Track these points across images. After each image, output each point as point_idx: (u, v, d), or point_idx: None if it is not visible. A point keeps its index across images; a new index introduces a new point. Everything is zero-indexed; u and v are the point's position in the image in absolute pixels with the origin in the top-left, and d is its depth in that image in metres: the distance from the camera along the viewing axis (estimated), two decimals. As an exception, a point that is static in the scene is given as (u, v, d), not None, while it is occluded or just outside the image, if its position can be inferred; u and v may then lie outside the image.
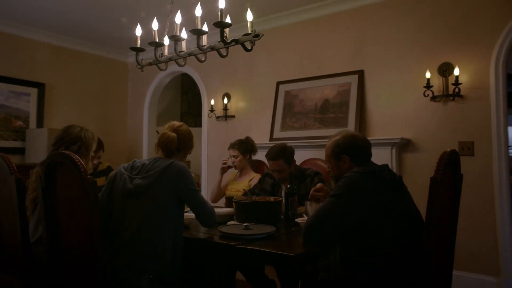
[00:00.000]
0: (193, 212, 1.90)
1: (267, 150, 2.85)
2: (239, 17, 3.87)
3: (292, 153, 2.77)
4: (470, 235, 3.18)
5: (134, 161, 1.97)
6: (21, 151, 4.67)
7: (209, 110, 4.83)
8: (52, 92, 5.03)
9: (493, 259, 3.09)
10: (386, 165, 1.78)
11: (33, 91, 4.88)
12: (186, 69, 5.03)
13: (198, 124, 6.96)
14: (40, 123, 4.89)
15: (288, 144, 2.94)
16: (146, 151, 5.62)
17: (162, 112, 6.55)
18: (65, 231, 1.66)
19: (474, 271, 3.16)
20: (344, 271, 1.77)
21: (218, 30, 2.15)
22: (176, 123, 2.10)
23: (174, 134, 2.00)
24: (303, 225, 1.80)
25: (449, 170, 1.62)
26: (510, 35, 3.13)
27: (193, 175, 1.91)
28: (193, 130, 6.55)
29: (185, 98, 7.62)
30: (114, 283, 1.62)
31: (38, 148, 4.46)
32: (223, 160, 3.42)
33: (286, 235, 1.91)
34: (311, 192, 2.09)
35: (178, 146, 2.00)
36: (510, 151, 3.57)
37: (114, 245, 1.71)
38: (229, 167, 3.40)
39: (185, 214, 2.10)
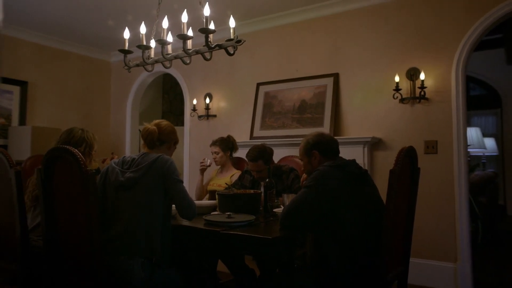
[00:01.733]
0: (174, 203, 2.00)
1: (247, 148, 3.05)
2: (221, 19, 4.08)
3: (271, 154, 2.96)
4: (432, 225, 3.47)
5: (124, 156, 2.13)
6: (3, 148, 4.72)
7: (192, 110, 4.99)
8: (35, 90, 5.09)
9: (452, 247, 3.38)
10: (353, 160, 2.01)
11: (16, 89, 4.94)
12: (169, 70, 5.14)
13: (180, 123, 7.10)
14: (22, 121, 4.94)
15: (267, 144, 3.13)
16: (129, 149, 5.73)
17: (144, 111, 6.67)
18: (63, 219, 1.82)
19: (435, 258, 3.44)
20: (316, 255, 1.99)
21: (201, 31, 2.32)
22: (158, 120, 2.27)
23: (154, 127, 2.16)
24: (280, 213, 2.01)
25: (407, 164, 1.86)
26: (468, 43, 3.43)
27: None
28: (176, 129, 6.68)
29: (167, 97, 7.74)
30: (109, 268, 1.79)
31: (21, 145, 4.53)
32: (201, 161, 3.57)
33: (265, 223, 2.12)
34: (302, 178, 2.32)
35: (159, 138, 2.16)
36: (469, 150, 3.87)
37: (110, 233, 1.87)
38: (208, 166, 3.54)
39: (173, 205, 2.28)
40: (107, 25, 4.77)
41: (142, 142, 2.21)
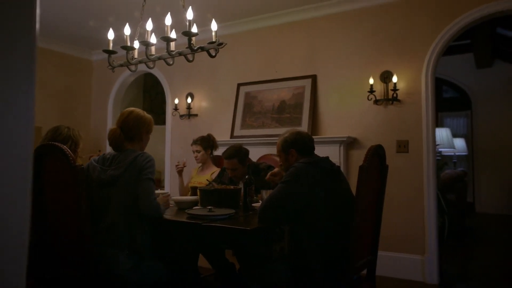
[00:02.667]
0: (139, 197, 1.99)
1: (226, 147, 3.17)
2: (202, 22, 4.19)
3: (246, 154, 3.07)
4: (403, 220, 3.67)
5: (104, 154, 2.19)
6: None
7: (173, 109, 5.07)
8: (15, 88, 5.07)
9: (420, 241, 3.59)
10: (326, 157, 2.16)
11: (-5, 87, 4.91)
12: (152, 69, 5.23)
13: (161, 122, 7.15)
14: (2, 118, 4.92)
15: (245, 143, 3.26)
16: (109, 147, 5.76)
17: (125, 109, 6.68)
18: (53, 214, 1.90)
19: (404, 251, 3.64)
20: (293, 245, 2.13)
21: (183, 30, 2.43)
22: (126, 112, 2.23)
23: (118, 130, 2.14)
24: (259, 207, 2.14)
25: (375, 160, 2.02)
26: (437, 49, 3.64)
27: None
28: (155, 127, 6.87)
29: (148, 96, 7.77)
30: (96, 259, 1.88)
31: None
32: (176, 164, 3.63)
33: (244, 217, 2.24)
34: (268, 175, 2.44)
35: (128, 136, 2.15)
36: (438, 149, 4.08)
37: (95, 227, 1.96)
38: (184, 167, 3.60)
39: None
40: (89, 25, 4.81)
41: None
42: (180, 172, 3.56)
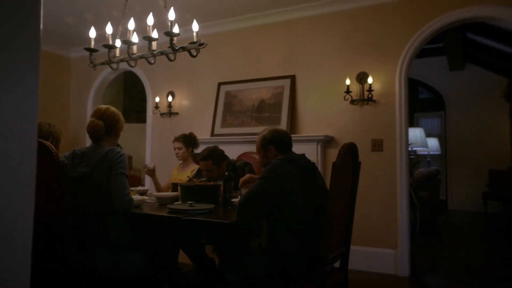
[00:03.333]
0: (112, 192, 2.01)
1: (208, 145, 3.24)
2: (182, 21, 4.25)
3: (221, 155, 3.12)
4: (377, 216, 3.82)
5: (74, 150, 2.16)
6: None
7: (154, 107, 5.10)
8: (-8, 84, 5.00)
9: (393, 235, 3.75)
10: (303, 154, 2.27)
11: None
12: (133, 68, 5.24)
13: (141, 120, 7.16)
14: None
15: (225, 141, 3.34)
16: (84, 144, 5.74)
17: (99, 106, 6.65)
18: (36, 208, 1.94)
19: (378, 245, 3.80)
20: (270, 239, 2.22)
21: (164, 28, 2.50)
22: (103, 108, 2.26)
23: (100, 122, 2.17)
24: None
25: (348, 157, 2.13)
26: (409, 51, 3.80)
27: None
28: (136, 126, 6.90)
29: (128, 94, 7.74)
30: (77, 255, 1.92)
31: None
32: (143, 167, 3.63)
33: (224, 211, 2.33)
34: (241, 182, 2.54)
35: (107, 131, 2.19)
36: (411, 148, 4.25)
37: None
38: (152, 169, 3.52)
39: (137, 197, 2.44)
40: (66, 22, 4.79)
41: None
42: (150, 174, 3.49)
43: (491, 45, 6.58)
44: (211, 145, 3.31)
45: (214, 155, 3.04)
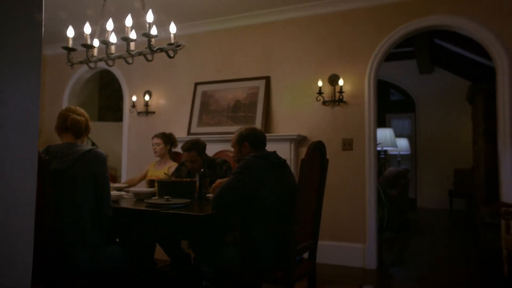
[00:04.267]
0: (96, 197, 2.09)
1: (184, 143, 3.35)
2: (159, 22, 4.33)
3: (204, 147, 3.28)
4: (346, 212, 4.00)
5: (49, 146, 2.17)
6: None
7: (131, 106, 5.15)
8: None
9: (361, 231, 3.94)
10: (274, 152, 2.40)
11: None
12: (110, 67, 5.27)
13: (117, 118, 7.16)
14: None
15: (202, 139, 3.46)
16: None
17: (80, 106, 6.61)
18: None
19: (348, 240, 3.98)
20: (243, 231, 2.34)
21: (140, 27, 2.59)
22: (76, 107, 2.30)
23: (82, 118, 2.23)
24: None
25: (316, 154, 2.28)
26: (378, 55, 4.00)
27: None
28: (112, 124, 6.94)
29: (104, 92, 7.71)
30: (58, 251, 1.97)
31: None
32: None
33: (199, 206, 2.44)
34: (212, 188, 2.68)
35: (85, 128, 2.24)
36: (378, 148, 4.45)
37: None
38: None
39: (114, 192, 2.52)
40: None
41: (58, 128, 2.22)
42: None
43: (456, 51, 6.92)
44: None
45: (198, 146, 3.20)
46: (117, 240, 2.39)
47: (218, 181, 2.72)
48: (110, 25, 2.83)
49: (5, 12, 0.67)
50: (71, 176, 2.04)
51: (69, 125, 2.18)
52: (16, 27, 0.69)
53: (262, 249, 2.20)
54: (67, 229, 2.02)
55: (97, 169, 2.10)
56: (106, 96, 7.70)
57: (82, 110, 2.30)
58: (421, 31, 4.06)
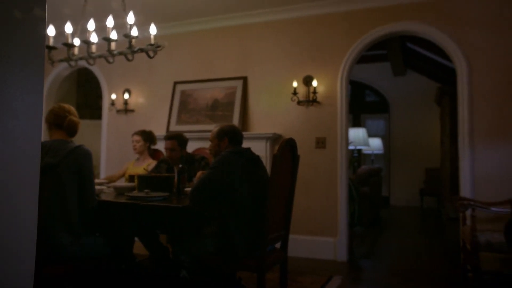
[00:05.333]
0: (82, 191, 2.23)
1: (163, 141, 3.48)
2: (139, 22, 4.40)
3: (185, 141, 3.45)
4: (319, 207, 4.20)
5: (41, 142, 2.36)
6: None
7: (110, 104, 5.21)
8: None
9: (333, 225, 4.14)
10: (248, 148, 2.56)
11: None
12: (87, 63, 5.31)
13: (95, 116, 7.17)
14: None
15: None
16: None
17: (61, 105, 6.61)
18: None
19: (321, 234, 4.18)
20: (219, 223, 2.49)
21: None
22: (70, 107, 2.43)
23: (78, 120, 2.40)
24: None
25: (287, 150, 2.44)
26: (350, 58, 4.21)
27: None
28: (90, 122, 7.02)
29: (82, 90, 7.70)
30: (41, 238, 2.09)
31: None
32: None
33: (177, 199, 2.57)
34: (197, 176, 2.82)
35: (78, 129, 2.41)
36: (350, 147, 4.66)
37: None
38: None
39: (98, 187, 2.63)
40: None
41: (52, 124, 2.35)
42: None
43: (426, 55, 7.24)
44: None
45: (180, 138, 3.42)
46: (98, 232, 2.50)
47: (200, 172, 2.86)
48: (91, 25, 2.92)
49: (7, 8, 0.74)
50: (61, 169, 2.18)
51: (65, 125, 2.34)
52: (19, 24, 0.76)
53: (236, 239, 2.35)
54: (55, 217, 2.15)
55: (84, 164, 2.24)
56: (84, 93, 7.69)
57: (75, 110, 2.44)
58: (390, 36, 4.30)
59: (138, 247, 3.33)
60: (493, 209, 2.85)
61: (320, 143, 4.29)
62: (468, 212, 3.22)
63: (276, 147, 4.44)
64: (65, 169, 2.19)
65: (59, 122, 2.34)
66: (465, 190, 3.65)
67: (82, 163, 2.24)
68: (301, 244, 4.14)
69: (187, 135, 4.56)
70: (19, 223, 0.80)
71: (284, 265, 2.56)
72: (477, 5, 3.77)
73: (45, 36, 0.85)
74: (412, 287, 3.27)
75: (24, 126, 0.79)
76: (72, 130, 2.38)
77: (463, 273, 3.29)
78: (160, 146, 4.41)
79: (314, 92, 4.28)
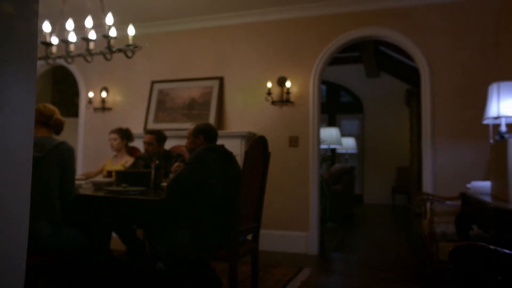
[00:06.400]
0: (63, 184, 2.37)
1: (140, 139, 3.59)
2: (117, 21, 4.49)
3: (164, 138, 3.58)
4: (291, 203, 4.37)
5: None
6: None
7: (87, 102, 5.25)
8: None
9: (305, 220, 4.33)
10: (222, 145, 2.70)
11: None
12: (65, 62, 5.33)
13: (71, 114, 7.15)
14: None
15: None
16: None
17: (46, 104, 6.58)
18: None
19: (292, 229, 4.36)
20: (194, 215, 2.62)
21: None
22: (54, 107, 2.59)
23: (63, 118, 2.57)
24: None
25: (259, 148, 2.60)
26: (322, 60, 4.40)
27: None
28: (66, 120, 7.09)
29: (57, 88, 7.67)
30: None
31: None
32: None
33: (154, 193, 2.69)
34: (174, 167, 2.94)
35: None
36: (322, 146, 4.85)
37: None
38: None
39: (76, 182, 2.72)
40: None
41: (38, 122, 2.46)
42: None
43: (397, 57, 7.54)
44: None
45: (159, 134, 3.58)
46: (77, 225, 2.59)
47: (177, 164, 3.00)
48: (69, 24, 3.00)
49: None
50: (46, 163, 2.32)
51: (52, 124, 2.49)
52: (12, 22, 0.82)
53: (210, 230, 2.49)
54: (38, 208, 2.25)
55: (67, 159, 2.39)
56: (60, 91, 7.66)
57: (58, 110, 2.58)
58: (361, 40, 4.52)
59: (116, 243, 3.42)
60: (448, 202, 3.09)
61: (293, 141, 4.47)
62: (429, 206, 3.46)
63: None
64: (50, 162, 2.32)
65: (44, 120, 2.47)
66: (427, 186, 3.89)
67: (65, 158, 2.38)
68: (274, 239, 4.31)
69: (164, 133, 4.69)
70: (11, 218, 0.87)
71: (255, 255, 2.71)
72: (439, 13, 4.02)
73: (37, 32, 0.93)
74: (378, 277, 3.48)
75: (20, 121, 0.89)
76: (58, 128, 2.53)
77: (424, 263, 3.52)
78: (138, 143, 4.50)
79: (288, 92, 4.45)
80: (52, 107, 2.56)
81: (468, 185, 2.65)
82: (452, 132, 3.90)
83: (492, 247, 1.14)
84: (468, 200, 2.48)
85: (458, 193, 2.75)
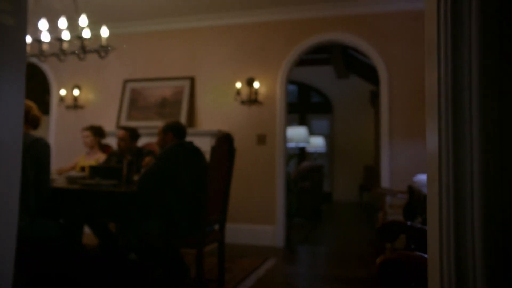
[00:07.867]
0: (38, 177, 2.46)
1: (113, 137, 3.72)
2: (92, 20, 4.57)
3: (137, 135, 3.73)
4: (259, 198, 4.59)
5: None
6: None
7: (59, 100, 5.30)
8: None
9: (272, 214, 4.56)
10: (191, 142, 2.89)
11: None
12: (36, 59, 5.36)
13: (41, 111, 7.12)
14: None
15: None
16: None
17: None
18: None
19: (260, 223, 4.58)
20: (164, 206, 2.79)
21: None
22: (32, 103, 2.69)
23: (40, 114, 2.67)
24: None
25: (225, 144, 2.79)
26: (289, 62, 4.64)
27: None
28: None
29: (26, 85, 7.58)
30: None
31: None
32: None
33: (126, 186, 2.84)
34: (145, 162, 3.09)
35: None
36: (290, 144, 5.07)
37: None
38: None
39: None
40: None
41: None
42: None
43: (363, 60, 7.89)
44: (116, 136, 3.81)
45: (133, 131, 3.74)
46: (51, 217, 2.72)
47: (148, 158, 3.17)
48: (42, 24, 3.11)
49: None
50: (24, 157, 2.37)
51: (30, 119, 2.58)
52: (8, 32, 0.99)
53: (179, 221, 2.67)
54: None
55: (44, 154, 2.51)
56: (29, 88, 7.57)
57: (35, 106, 2.68)
58: (326, 44, 4.79)
59: (88, 238, 3.54)
60: (399, 195, 3.38)
61: (261, 140, 4.69)
62: (387, 200, 3.76)
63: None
64: (27, 157, 2.41)
65: (25, 117, 2.57)
66: (385, 181, 4.19)
67: (42, 153, 2.49)
68: (242, 232, 4.51)
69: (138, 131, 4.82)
70: (1, 213, 0.95)
71: (222, 243, 2.90)
72: (397, 20, 4.33)
73: (26, 32, 1.09)
74: (338, 265, 3.74)
75: (9, 117, 1.05)
76: (36, 123, 2.63)
77: (382, 252, 3.82)
78: (110, 141, 4.61)
79: (256, 92, 4.66)
80: (29, 102, 2.64)
81: (414, 178, 2.93)
82: (407, 132, 4.22)
83: (408, 223, 1.38)
84: (413, 192, 2.76)
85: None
